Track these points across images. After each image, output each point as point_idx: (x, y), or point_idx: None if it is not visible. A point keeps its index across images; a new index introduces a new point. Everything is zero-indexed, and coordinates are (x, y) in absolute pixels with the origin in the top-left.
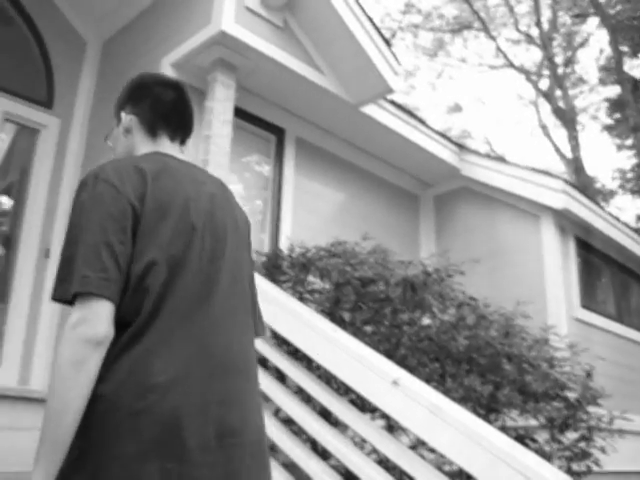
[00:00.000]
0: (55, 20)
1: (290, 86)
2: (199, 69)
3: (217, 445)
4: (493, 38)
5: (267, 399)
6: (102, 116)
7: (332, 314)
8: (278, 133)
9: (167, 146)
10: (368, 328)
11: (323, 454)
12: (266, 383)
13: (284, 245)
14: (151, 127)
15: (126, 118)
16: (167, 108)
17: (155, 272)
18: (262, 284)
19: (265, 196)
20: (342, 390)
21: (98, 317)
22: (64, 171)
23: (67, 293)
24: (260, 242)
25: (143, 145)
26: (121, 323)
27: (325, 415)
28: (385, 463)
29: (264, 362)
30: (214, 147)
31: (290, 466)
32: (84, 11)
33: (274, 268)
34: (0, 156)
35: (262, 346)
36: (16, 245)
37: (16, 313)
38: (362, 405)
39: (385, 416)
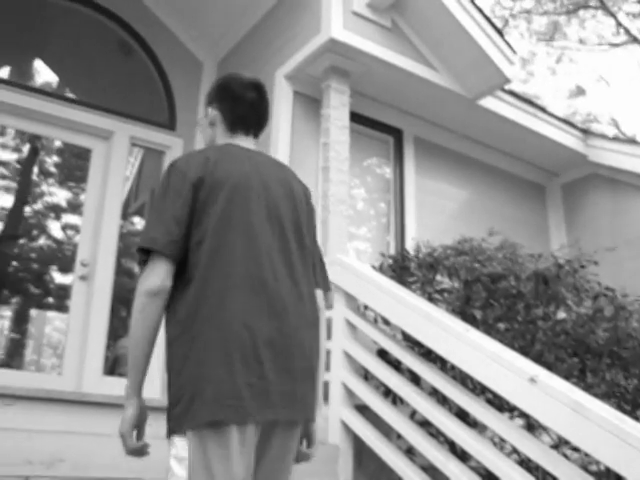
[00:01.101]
0: (172, 46)
1: (404, 86)
2: (312, 78)
3: (279, 363)
4: (612, 14)
5: (402, 401)
6: None
7: (463, 313)
8: (396, 134)
9: (241, 140)
10: (501, 325)
11: (462, 456)
12: (400, 385)
13: (410, 246)
14: (230, 124)
15: (212, 113)
16: (246, 109)
17: (210, 236)
18: (390, 286)
19: (387, 198)
20: (478, 390)
21: (155, 274)
22: None
23: (140, 252)
24: (386, 245)
25: (222, 137)
26: (190, 277)
27: (462, 416)
28: (527, 463)
29: (397, 364)
30: (333, 153)
31: (429, 469)
32: (199, 34)
33: (401, 270)
34: (131, 179)
35: (395, 349)
36: None
37: None
38: (500, 404)
39: (524, 415)
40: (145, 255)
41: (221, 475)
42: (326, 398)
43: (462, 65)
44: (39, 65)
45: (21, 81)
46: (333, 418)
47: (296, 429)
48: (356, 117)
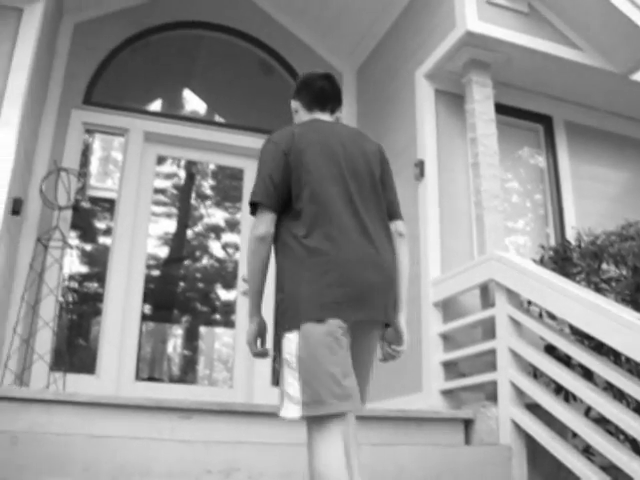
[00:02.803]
0: (310, 60)
1: (548, 70)
2: (452, 74)
3: (359, 276)
4: None
5: (575, 398)
6: None
7: (634, 302)
8: (545, 121)
9: (319, 114)
10: None
11: None
12: (571, 381)
13: (570, 236)
14: (308, 106)
15: (294, 103)
16: (317, 92)
17: (307, 189)
18: (553, 279)
19: (543, 188)
20: None
21: (261, 223)
22: None
23: (251, 206)
24: (545, 236)
25: (305, 117)
26: (294, 221)
27: None
28: None
29: (567, 360)
30: (482, 148)
31: (609, 468)
32: (335, 45)
33: (563, 261)
34: None
35: (563, 343)
36: None
37: None
38: None
39: None
40: (254, 208)
41: (324, 357)
42: (495, 398)
43: (609, 41)
44: (188, 94)
45: (173, 112)
46: (503, 418)
47: (375, 331)
48: (501, 108)
